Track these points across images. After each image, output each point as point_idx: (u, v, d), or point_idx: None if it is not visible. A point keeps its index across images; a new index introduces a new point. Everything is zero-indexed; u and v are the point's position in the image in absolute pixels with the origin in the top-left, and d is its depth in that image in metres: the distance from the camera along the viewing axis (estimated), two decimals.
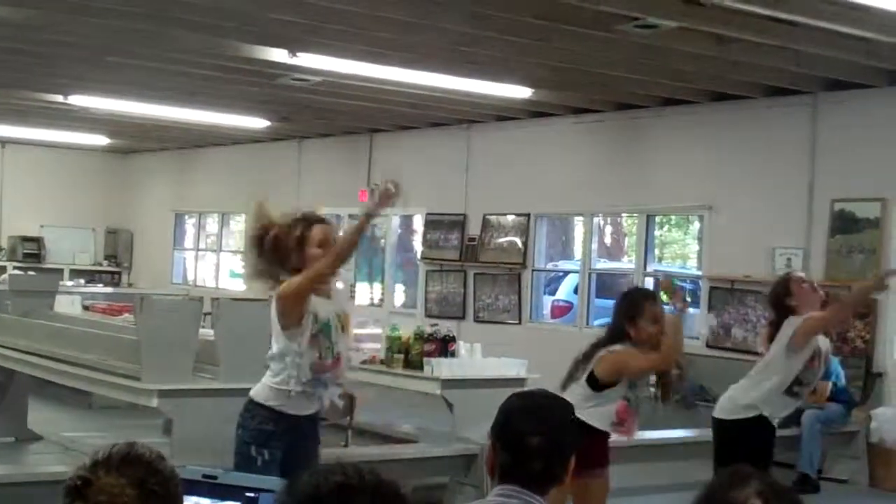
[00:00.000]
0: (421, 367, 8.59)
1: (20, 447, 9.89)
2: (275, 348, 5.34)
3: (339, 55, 9.91)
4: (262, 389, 5.35)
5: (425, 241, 15.11)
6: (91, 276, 20.53)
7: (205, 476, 2.36)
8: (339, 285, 5.63)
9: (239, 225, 19.61)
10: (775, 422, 6.35)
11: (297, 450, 5.25)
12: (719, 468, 6.09)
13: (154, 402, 7.33)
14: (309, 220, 5.47)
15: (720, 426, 6.43)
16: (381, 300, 16.30)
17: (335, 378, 5.34)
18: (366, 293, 16.87)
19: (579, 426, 5.28)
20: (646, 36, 8.54)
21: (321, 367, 5.22)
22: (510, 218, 13.91)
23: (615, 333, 5.82)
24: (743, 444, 6.16)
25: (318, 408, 5.37)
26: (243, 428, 5.29)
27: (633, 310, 5.80)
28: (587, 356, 5.81)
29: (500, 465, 2.87)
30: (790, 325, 6.22)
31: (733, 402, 6.42)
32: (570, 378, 5.82)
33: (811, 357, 6.22)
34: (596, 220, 13.61)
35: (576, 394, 5.62)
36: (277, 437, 5.22)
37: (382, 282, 16.41)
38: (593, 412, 5.64)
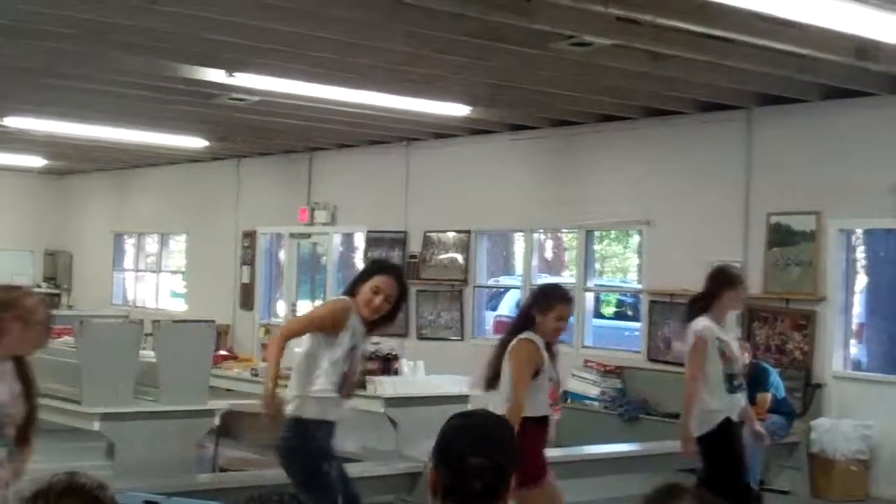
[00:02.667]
0: (363, 386, 8.59)
1: None
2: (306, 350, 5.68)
3: (277, 74, 9.90)
4: (306, 405, 5.55)
5: (366, 259, 15.10)
6: None
7: (147, 502, 2.37)
8: None
9: (179, 245, 19.50)
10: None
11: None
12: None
13: (96, 426, 7.29)
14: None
15: None
16: None
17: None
18: (307, 310, 16.81)
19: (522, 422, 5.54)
20: (581, 53, 8.63)
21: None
22: (451, 235, 13.96)
23: (523, 322, 6.13)
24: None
25: None
26: (303, 447, 5.53)
27: (547, 305, 6.07)
28: (502, 351, 6.08)
29: (441, 486, 2.89)
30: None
31: None
32: (493, 377, 6.01)
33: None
34: (536, 235, 13.69)
35: (507, 391, 5.93)
36: (330, 449, 5.59)
37: (324, 299, 16.36)
38: (533, 403, 5.90)
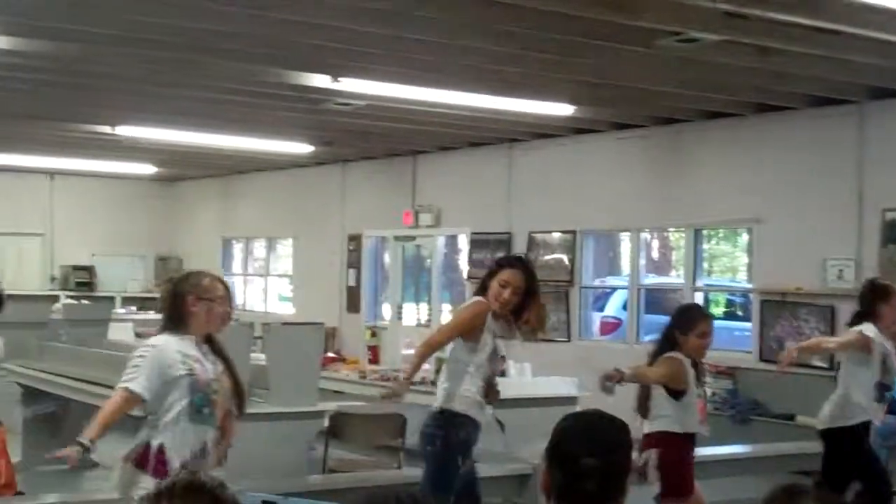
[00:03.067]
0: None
1: (77, 474, 9.95)
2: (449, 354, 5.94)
3: (381, 79, 9.96)
4: (454, 399, 5.78)
5: (471, 261, 15.12)
6: (142, 303, 20.69)
7: (265, 502, 2.38)
8: None
9: (286, 249, 19.73)
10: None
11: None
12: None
13: None
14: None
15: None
16: (428, 320, 16.31)
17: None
18: (412, 314, 16.90)
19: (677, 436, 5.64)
20: (687, 50, 8.51)
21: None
22: (556, 235, 13.89)
23: (667, 344, 6.31)
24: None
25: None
26: (444, 436, 5.76)
27: (688, 324, 6.29)
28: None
29: (554, 487, 2.86)
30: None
31: None
32: (644, 403, 6.17)
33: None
34: (643, 235, 13.55)
35: (664, 409, 6.21)
36: (471, 446, 5.82)
37: (429, 302, 16.42)
38: (683, 420, 6.21)
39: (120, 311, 18.32)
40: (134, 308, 20.10)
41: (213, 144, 15.09)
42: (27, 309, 12.04)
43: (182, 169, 19.72)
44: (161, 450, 4.59)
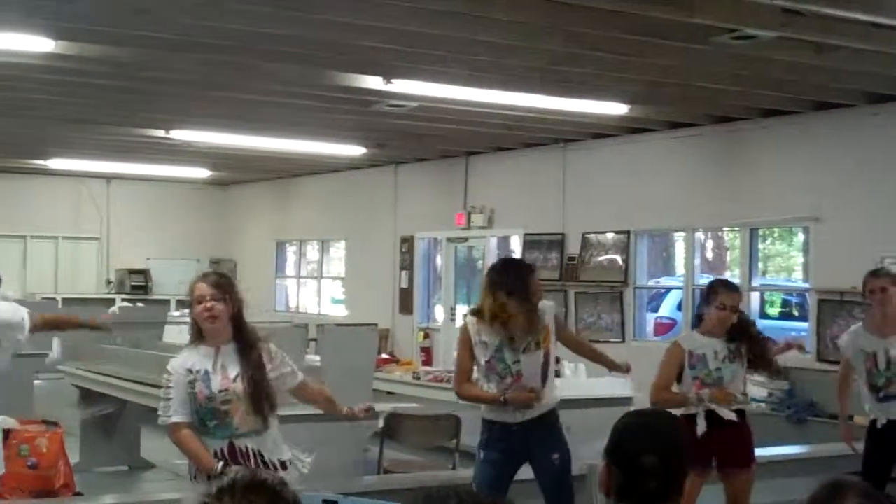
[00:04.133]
0: None
1: (134, 475, 10.08)
2: None
3: (434, 80, 9.95)
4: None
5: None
6: None
7: (325, 501, 2.38)
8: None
9: (338, 251, 19.81)
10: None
11: (512, 454, 5.88)
12: None
13: None
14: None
15: None
16: None
17: None
18: (464, 314, 16.85)
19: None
20: (744, 47, 8.43)
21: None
22: (610, 236, 13.82)
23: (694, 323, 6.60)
24: None
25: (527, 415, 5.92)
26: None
27: (709, 297, 6.36)
28: None
29: (615, 485, 2.85)
30: None
31: None
32: None
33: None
34: (697, 235, 13.44)
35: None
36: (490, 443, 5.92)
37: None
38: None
39: (174, 313, 18.47)
40: (188, 311, 20.27)
41: (267, 147, 15.18)
42: (83, 312, 12.18)
43: (236, 172, 19.86)
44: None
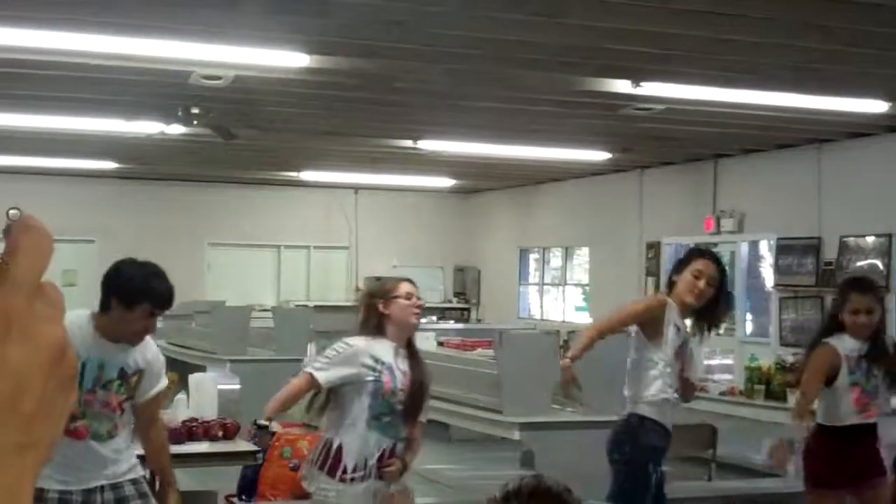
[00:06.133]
0: (783, 398, 8.27)
1: None
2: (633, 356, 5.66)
3: (683, 81, 9.75)
4: (639, 406, 5.55)
5: (777, 268, 14.61)
6: (442, 314, 21.21)
7: None
8: None
9: (581, 258, 19.72)
10: None
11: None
12: None
13: (516, 435, 7.42)
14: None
15: None
16: (731, 329, 15.86)
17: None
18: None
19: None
20: None
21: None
22: (870, 239, 13.21)
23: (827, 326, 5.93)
24: None
25: None
26: (632, 444, 5.51)
27: (839, 300, 5.86)
28: None
29: None
30: None
31: None
32: None
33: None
34: None
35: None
36: (663, 453, 5.53)
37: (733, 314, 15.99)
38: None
39: (422, 320, 18.77)
40: (434, 318, 20.63)
41: (511, 155, 15.25)
42: (335, 319, 12.55)
43: (479, 181, 20.05)
44: (339, 450, 4.67)
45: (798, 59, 8.98)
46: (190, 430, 6.31)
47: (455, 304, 21.84)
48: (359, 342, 4.77)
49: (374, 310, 4.79)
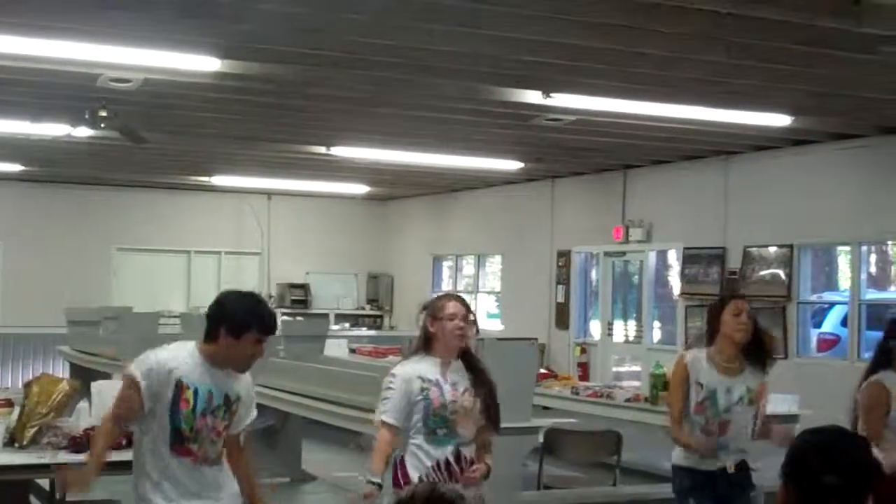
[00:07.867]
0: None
1: (295, 487, 10.24)
2: None
3: (594, 93, 9.89)
4: (675, 451, 5.93)
5: (683, 277, 14.87)
6: (355, 321, 21.22)
7: None
8: None
9: (494, 266, 19.84)
10: None
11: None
12: None
13: None
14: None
15: None
16: (638, 337, 16.11)
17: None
18: (621, 330, 16.72)
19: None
20: None
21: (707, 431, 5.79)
22: (772, 249, 13.51)
23: (879, 359, 5.87)
24: None
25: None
26: (675, 491, 5.96)
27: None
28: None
29: None
30: None
31: None
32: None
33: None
34: (863, 248, 13.03)
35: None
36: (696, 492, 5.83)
37: (638, 319, 16.23)
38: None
39: (334, 327, 18.78)
40: (347, 325, 20.62)
41: (425, 163, 15.31)
42: None
43: (393, 188, 20.07)
44: (402, 463, 4.91)
45: (706, 72, 9.16)
46: (91, 439, 6.20)
47: (368, 311, 21.84)
48: (401, 370, 4.99)
49: (424, 327, 5.02)
